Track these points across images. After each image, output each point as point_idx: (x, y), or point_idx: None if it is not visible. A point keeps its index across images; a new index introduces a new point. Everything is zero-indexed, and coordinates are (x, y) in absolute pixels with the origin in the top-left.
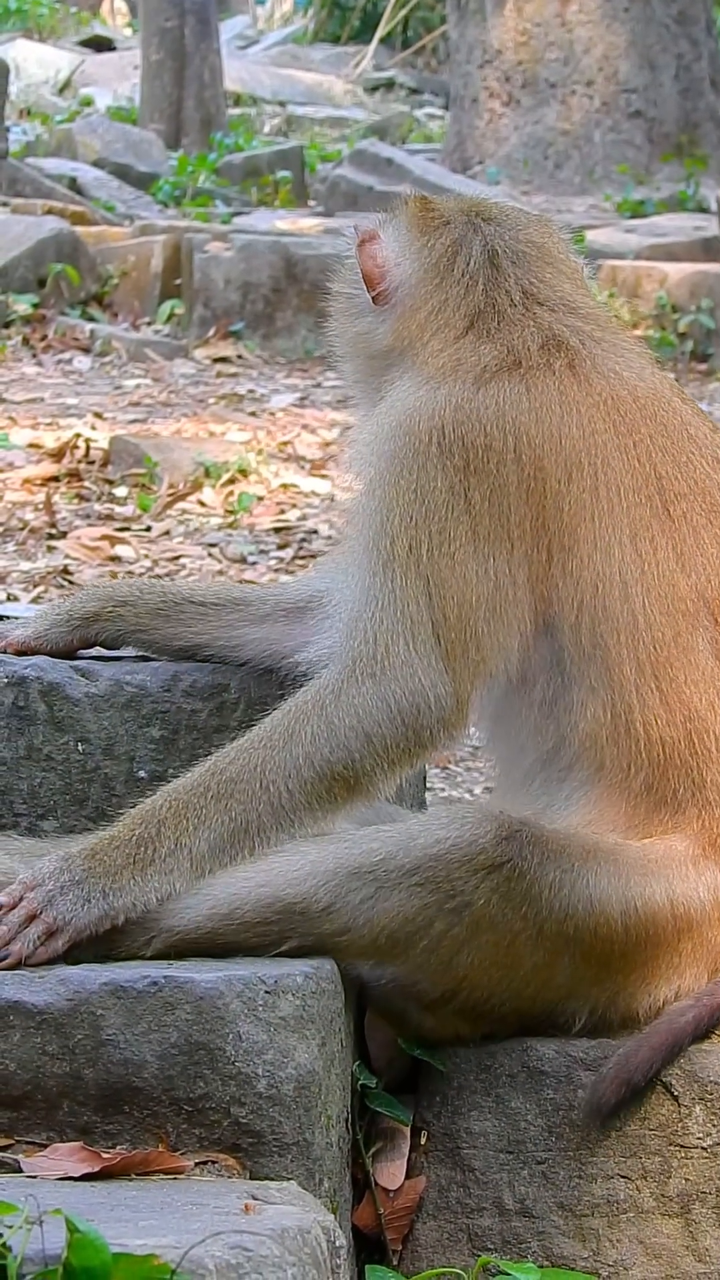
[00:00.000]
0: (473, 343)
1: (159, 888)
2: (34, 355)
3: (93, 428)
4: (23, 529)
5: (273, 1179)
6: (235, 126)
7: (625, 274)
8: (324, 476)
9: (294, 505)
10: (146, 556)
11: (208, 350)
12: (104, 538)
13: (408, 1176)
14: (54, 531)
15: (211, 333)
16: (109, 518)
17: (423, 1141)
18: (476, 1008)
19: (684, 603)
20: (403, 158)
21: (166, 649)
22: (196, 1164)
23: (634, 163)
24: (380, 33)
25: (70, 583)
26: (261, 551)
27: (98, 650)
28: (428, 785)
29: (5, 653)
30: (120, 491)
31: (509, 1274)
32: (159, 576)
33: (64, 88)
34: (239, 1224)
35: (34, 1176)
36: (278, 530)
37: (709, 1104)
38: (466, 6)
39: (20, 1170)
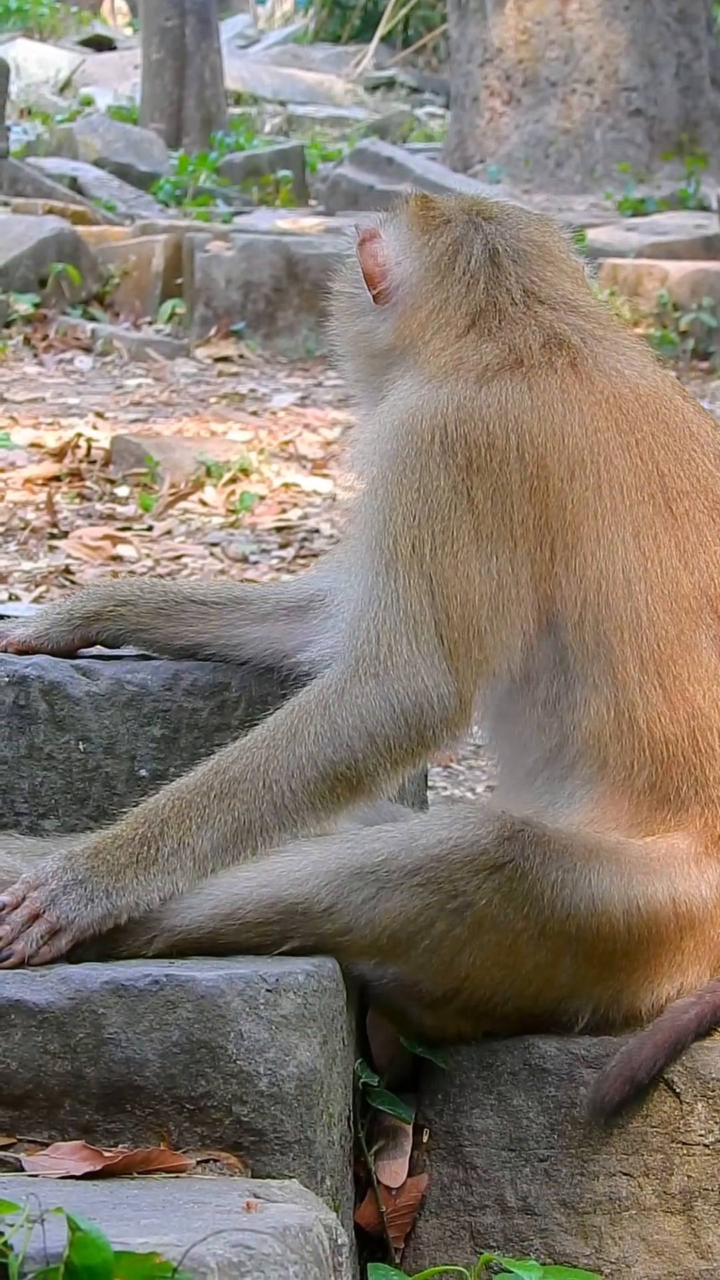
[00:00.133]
0: (474, 341)
1: (162, 887)
2: (35, 355)
3: (94, 427)
4: (24, 529)
5: (274, 1177)
6: (236, 126)
7: (626, 272)
8: (326, 476)
9: (295, 504)
10: (148, 556)
11: (209, 350)
12: (105, 537)
13: (410, 1174)
14: (55, 531)
15: (213, 332)
16: (110, 517)
17: (425, 1139)
18: (478, 1007)
19: (687, 600)
20: (403, 157)
21: (168, 648)
22: (198, 1162)
23: (635, 161)
24: (381, 32)
25: (72, 582)
26: (263, 551)
27: (99, 649)
28: (429, 784)
29: (6, 652)
30: (122, 491)
31: (511, 1272)
32: (160, 576)
33: (64, 87)
34: (241, 1222)
35: (35, 1175)
36: (279, 529)
37: (711, 1101)
38: (467, 5)
39: (22, 1169)
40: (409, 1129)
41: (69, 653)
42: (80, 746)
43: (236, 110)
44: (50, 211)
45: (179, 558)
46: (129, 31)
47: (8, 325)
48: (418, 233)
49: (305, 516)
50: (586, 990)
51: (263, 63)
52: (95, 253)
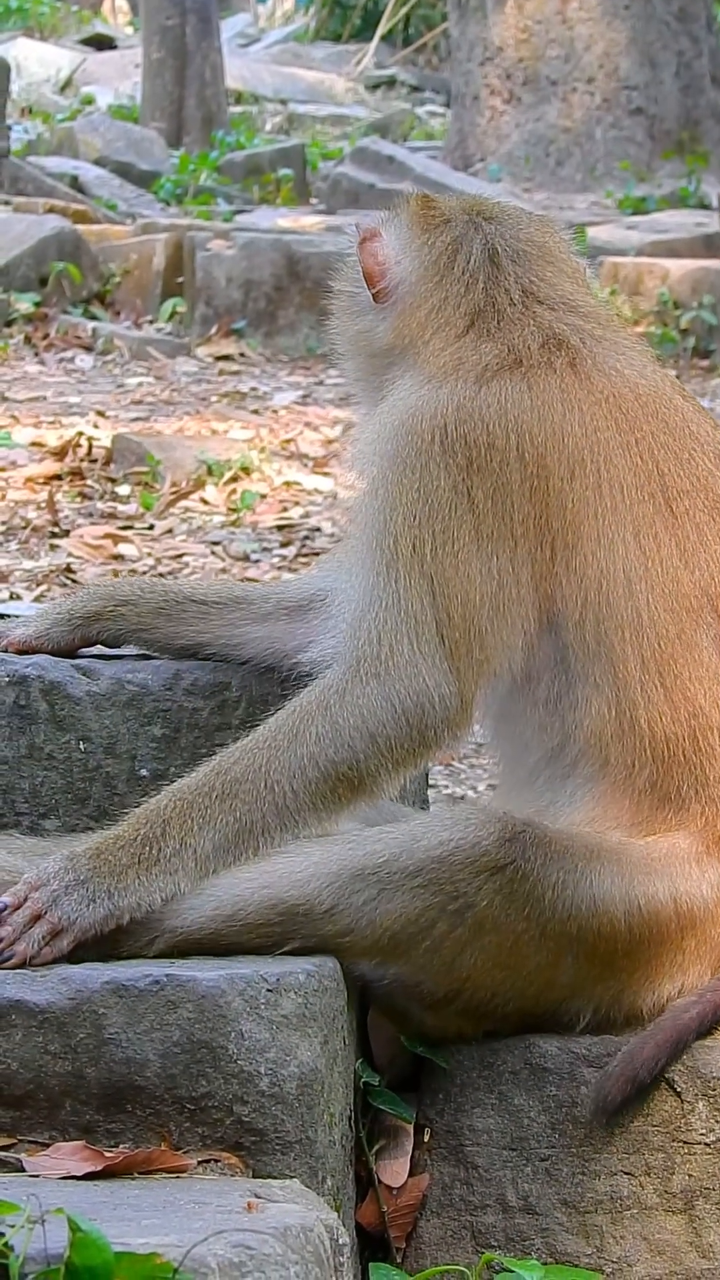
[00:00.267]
0: (474, 341)
1: (163, 888)
2: (36, 354)
3: (95, 426)
4: (25, 527)
5: (275, 1177)
6: (237, 125)
7: (627, 270)
8: (327, 474)
9: (297, 503)
10: (149, 555)
11: (210, 348)
12: (107, 536)
13: (411, 1174)
14: (56, 530)
15: (214, 331)
16: (112, 516)
17: (426, 1139)
18: (480, 1006)
19: (688, 599)
20: (404, 155)
21: (168, 648)
22: (199, 1162)
23: (635, 159)
24: (381, 30)
25: (73, 581)
26: (264, 549)
27: (99, 649)
28: (431, 782)
29: (7, 651)
30: (123, 490)
31: (512, 1271)
32: (162, 575)
33: (65, 86)
34: (242, 1222)
35: (36, 1176)
36: (280, 528)
37: (712, 1100)
38: (467, 4)
39: (22, 1169)
40: (410, 1128)
41: (69, 652)
42: (81, 746)
43: (237, 109)
44: (51, 210)
45: (180, 556)
46: (130, 30)
47: (9, 324)
48: (418, 232)
49: (306, 515)
50: (588, 990)
51: (263, 61)
52: (96, 251)
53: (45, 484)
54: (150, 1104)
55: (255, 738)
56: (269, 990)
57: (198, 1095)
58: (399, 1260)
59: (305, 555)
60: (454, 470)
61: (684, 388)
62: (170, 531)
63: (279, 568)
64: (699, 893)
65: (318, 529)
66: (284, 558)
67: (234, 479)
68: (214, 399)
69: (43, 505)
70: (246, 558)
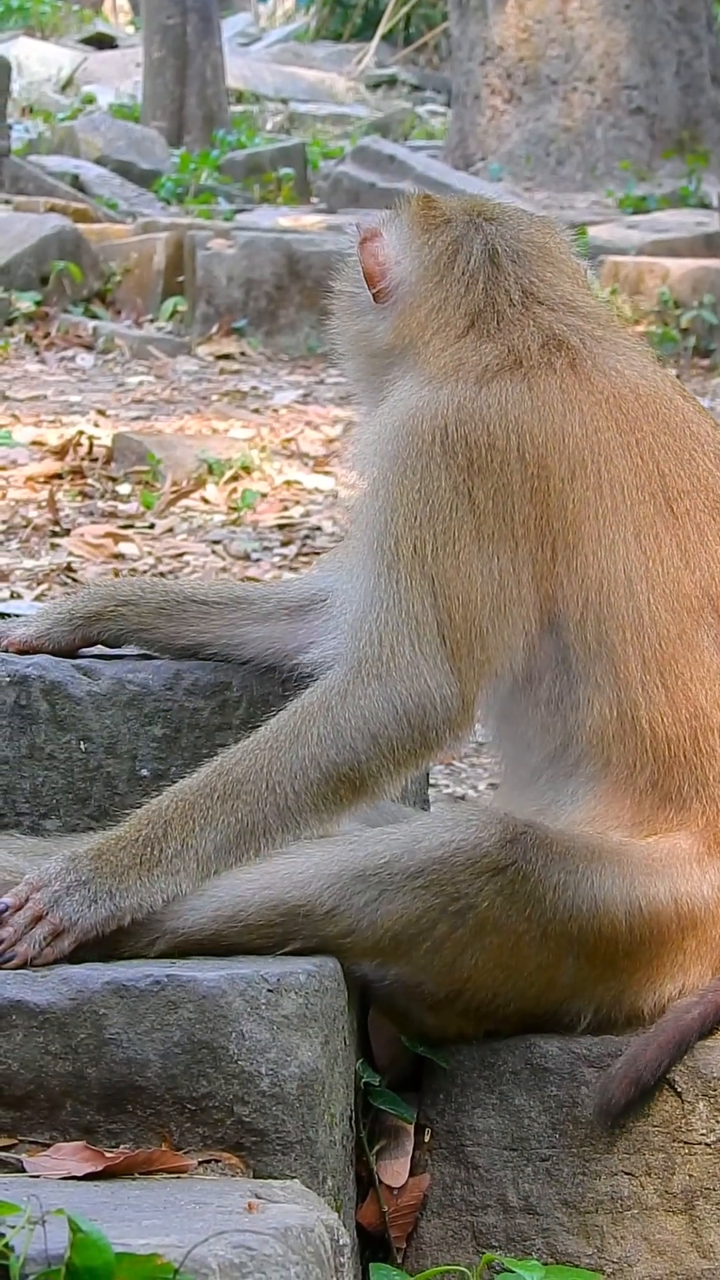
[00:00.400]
0: (474, 342)
1: (165, 889)
2: (37, 353)
3: (96, 425)
4: (26, 526)
5: (276, 1177)
6: (237, 124)
7: (627, 270)
8: (327, 473)
9: (297, 502)
10: (150, 554)
11: (211, 347)
12: (107, 535)
13: (411, 1174)
14: (57, 529)
15: (214, 330)
16: (112, 515)
17: (426, 1139)
18: (480, 1007)
19: (688, 599)
20: (405, 155)
21: (169, 648)
22: (200, 1163)
23: (636, 159)
24: (382, 30)
25: (73, 580)
26: (265, 548)
27: (100, 649)
28: (431, 782)
29: (7, 651)
30: (123, 489)
31: (513, 1271)
32: (162, 574)
33: (66, 85)
34: (242, 1223)
35: (37, 1176)
36: (281, 527)
37: (712, 1100)
38: (468, 3)
39: (23, 1170)
40: (411, 1129)
41: (70, 652)
42: (81, 746)
43: (238, 108)
44: (52, 209)
45: (181, 555)
46: (130, 30)
47: (9, 323)
48: (418, 232)
49: (307, 514)
50: (589, 991)
51: (264, 61)
52: (97, 250)
53: (46, 483)
54: (151, 1104)
55: (257, 739)
56: (270, 990)
57: (198, 1095)
58: (399, 1260)
59: (306, 554)
60: (455, 471)
61: (684, 387)
62: (171, 530)
63: (279, 567)
64: (700, 893)
65: (318, 528)
66: (284, 557)
67: (235, 478)
68: (215, 398)
69: (43, 504)
70: (247, 557)
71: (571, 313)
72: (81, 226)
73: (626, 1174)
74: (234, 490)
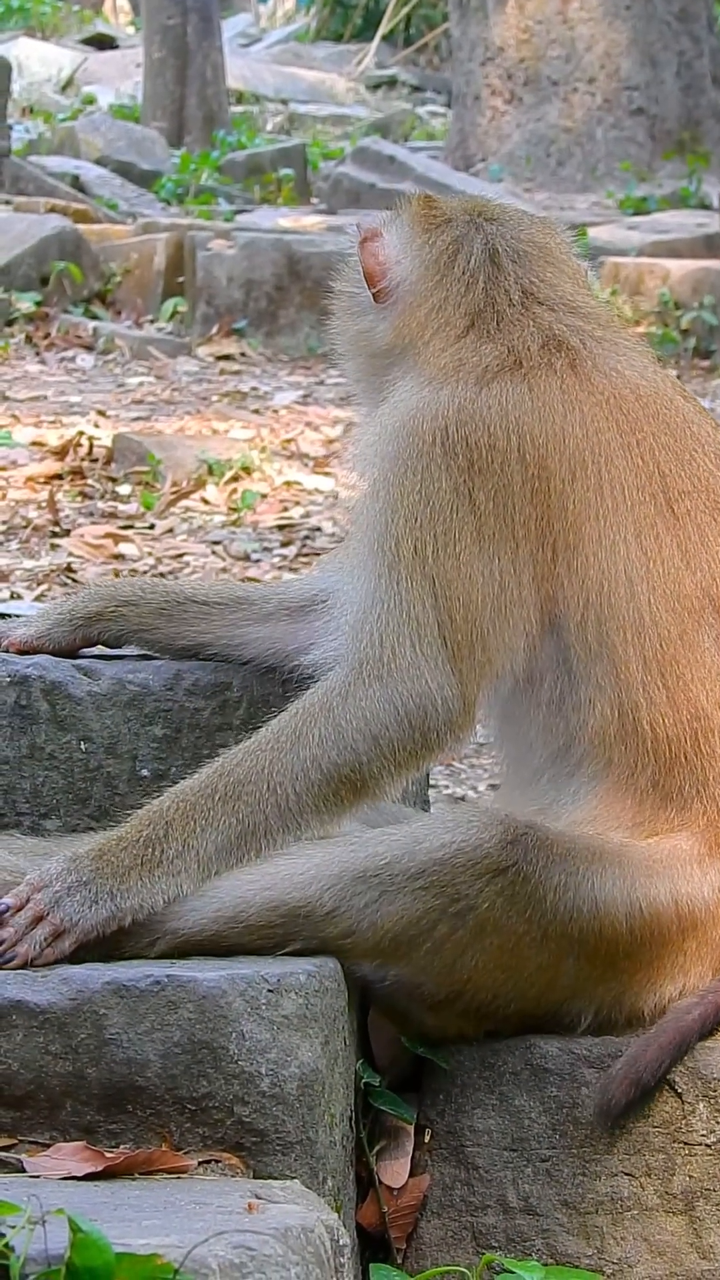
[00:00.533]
0: (474, 343)
1: (166, 889)
2: (37, 353)
3: (96, 425)
4: (26, 527)
5: (276, 1178)
6: (238, 124)
7: (628, 271)
8: (327, 474)
9: (297, 503)
10: (150, 554)
11: (211, 348)
12: (107, 535)
13: (411, 1175)
14: (57, 529)
15: (214, 330)
16: (112, 515)
17: (426, 1139)
18: (481, 1008)
19: (689, 600)
20: (405, 155)
21: (169, 648)
22: (200, 1163)
23: (636, 160)
24: (382, 30)
25: (73, 580)
26: (265, 549)
27: (100, 649)
28: (431, 783)
29: (8, 651)
30: (124, 489)
31: (513, 1272)
32: (162, 575)
33: (66, 86)
34: (242, 1223)
35: (37, 1176)
36: (281, 528)
37: (712, 1101)
38: (468, 4)
39: (23, 1170)
40: (411, 1129)
41: (70, 652)
42: (82, 746)
43: (238, 109)
44: (52, 210)
45: (181, 556)
46: (131, 30)
47: (10, 323)
48: (418, 232)
49: (307, 515)
50: (589, 991)
51: (264, 61)
52: (97, 251)
53: (46, 483)
54: (151, 1104)
55: (258, 739)
56: (270, 991)
57: (198, 1096)
58: (399, 1261)
59: (306, 555)
60: (455, 472)
61: (684, 388)
62: (171, 531)
63: (280, 567)
64: (700, 894)
65: (318, 529)
66: (284, 557)
67: (235, 479)
68: (215, 398)
69: (43, 505)
70: (247, 557)
71: (572, 313)
72: (82, 227)
73: (626, 1175)
74: (234, 491)
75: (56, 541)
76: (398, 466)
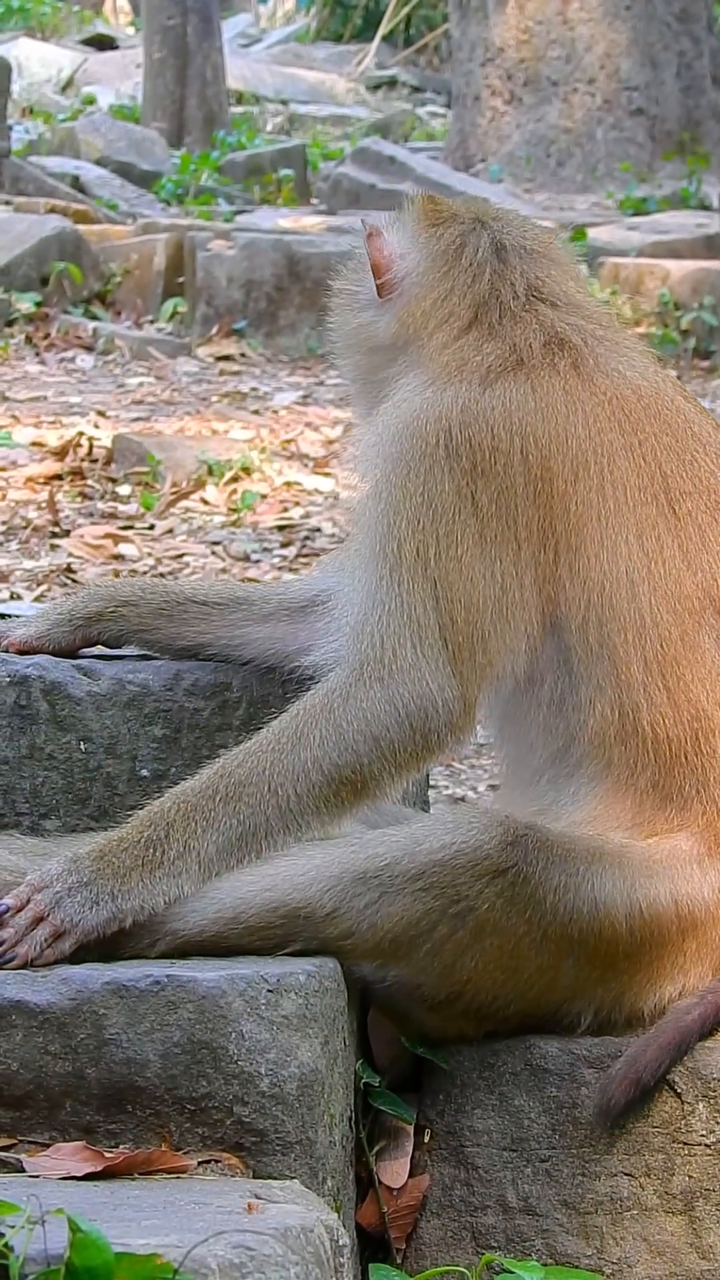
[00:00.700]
0: (476, 340)
1: (167, 890)
2: (37, 354)
3: (96, 426)
4: (26, 527)
5: (276, 1178)
6: (238, 125)
7: (628, 271)
8: (327, 474)
9: (297, 503)
10: (150, 555)
11: (211, 348)
12: (107, 536)
13: (411, 1175)
14: (57, 530)
15: (214, 331)
16: (112, 516)
17: (426, 1140)
18: (480, 1008)
19: (690, 601)
20: (405, 156)
21: (169, 648)
22: (199, 1163)
23: (636, 160)
24: (382, 31)
25: (73, 581)
26: (265, 549)
27: (100, 649)
28: (431, 783)
29: (7, 652)
30: (123, 490)
31: (513, 1272)
32: (162, 575)
33: (66, 86)
34: (242, 1223)
35: (36, 1176)
36: (281, 528)
37: (712, 1101)
38: (468, 5)
39: (23, 1170)
40: (410, 1129)
41: (70, 653)
42: (81, 746)
43: (238, 109)
44: (52, 210)
45: (180, 556)
46: (131, 30)
47: (10, 324)
48: (425, 226)
49: (307, 515)
50: (589, 992)
51: (264, 62)
52: (97, 251)
53: (46, 484)
54: (150, 1104)
55: (259, 740)
56: (269, 991)
57: (198, 1096)
58: (399, 1261)
59: (306, 555)
60: (458, 474)
61: (685, 389)
62: (171, 531)
63: (279, 568)
64: (700, 895)
65: (318, 529)
66: (284, 558)
67: (234, 479)
68: (214, 399)
69: (43, 505)
70: (247, 558)
71: (574, 311)
72: (82, 227)
73: (626, 1175)
74: (234, 491)
75: (56, 542)
76: (400, 468)
